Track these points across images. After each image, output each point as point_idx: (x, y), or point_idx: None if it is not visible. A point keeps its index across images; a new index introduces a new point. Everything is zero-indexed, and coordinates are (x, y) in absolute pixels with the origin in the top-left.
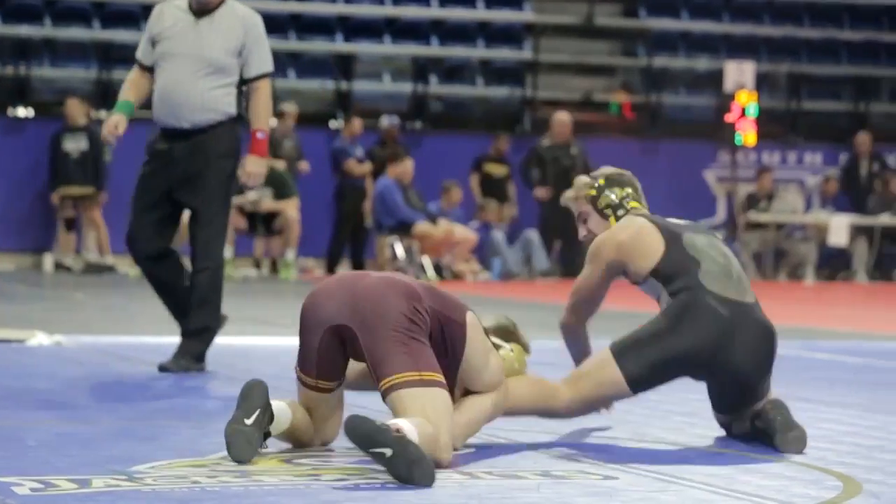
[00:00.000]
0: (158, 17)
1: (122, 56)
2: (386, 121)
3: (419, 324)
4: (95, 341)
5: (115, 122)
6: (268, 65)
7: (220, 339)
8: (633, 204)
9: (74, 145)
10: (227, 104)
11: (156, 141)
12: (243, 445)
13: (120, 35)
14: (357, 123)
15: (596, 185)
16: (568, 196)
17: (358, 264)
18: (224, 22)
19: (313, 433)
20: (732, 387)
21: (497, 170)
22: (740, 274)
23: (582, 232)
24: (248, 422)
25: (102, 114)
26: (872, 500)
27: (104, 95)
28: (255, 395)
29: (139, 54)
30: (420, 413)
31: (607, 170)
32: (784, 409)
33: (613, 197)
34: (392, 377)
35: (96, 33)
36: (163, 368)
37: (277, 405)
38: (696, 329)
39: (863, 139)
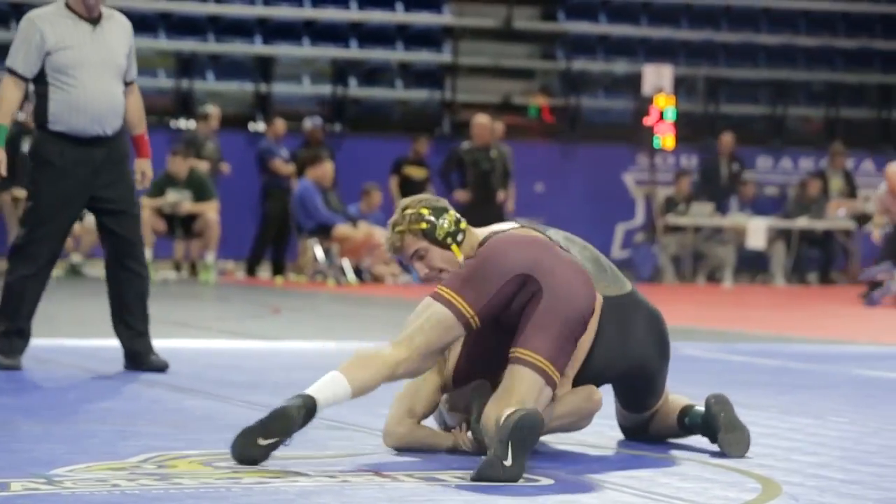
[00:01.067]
0: (48, 26)
1: None
2: (309, 122)
3: (582, 331)
4: None
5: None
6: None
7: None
8: (463, 225)
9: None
10: (123, 108)
11: (62, 151)
12: (248, 459)
13: None
14: (280, 124)
15: (425, 217)
16: (392, 242)
17: (279, 266)
18: (114, 27)
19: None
20: (641, 380)
21: (416, 172)
22: (611, 265)
23: (423, 270)
24: (262, 443)
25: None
26: (791, 502)
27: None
28: (281, 426)
29: (20, 66)
30: (523, 396)
31: (420, 198)
32: (728, 405)
33: (446, 224)
34: (534, 354)
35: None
36: (158, 368)
37: (330, 390)
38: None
39: (726, 140)
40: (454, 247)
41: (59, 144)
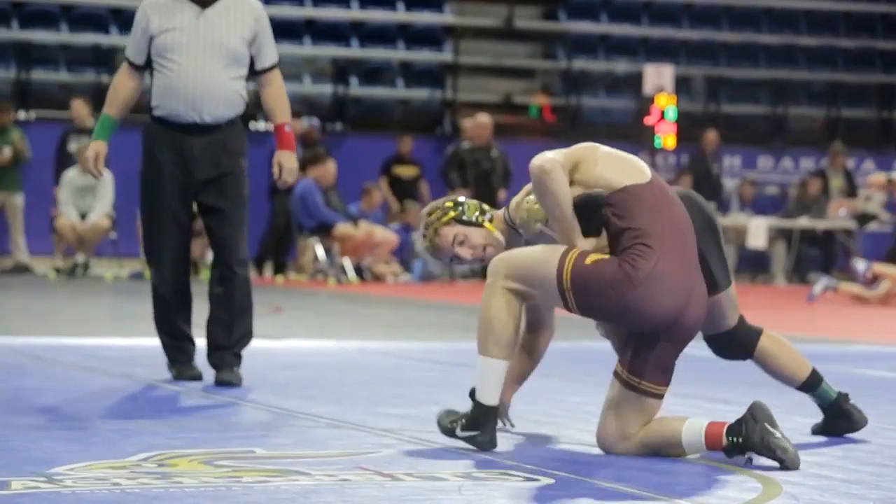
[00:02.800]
0: (155, 11)
1: (41, 56)
2: (306, 122)
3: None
4: (12, 342)
5: (95, 154)
6: (276, 55)
7: (144, 341)
8: (485, 206)
9: (79, 146)
10: (242, 98)
11: (160, 136)
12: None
13: (39, 35)
14: (293, 126)
15: (451, 207)
16: (430, 243)
17: (280, 265)
18: (232, 11)
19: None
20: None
21: (406, 171)
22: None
23: (468, 253)
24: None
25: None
26: (792, 502)
27: (24, 96)
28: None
29: (130, 53)
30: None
31: (435, 202)
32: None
33: (470, 207)
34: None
35: (15, 33)
36: (223, 383)
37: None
38: None
39: (710, 137)
40: (487, 223)
41: (158, 130)
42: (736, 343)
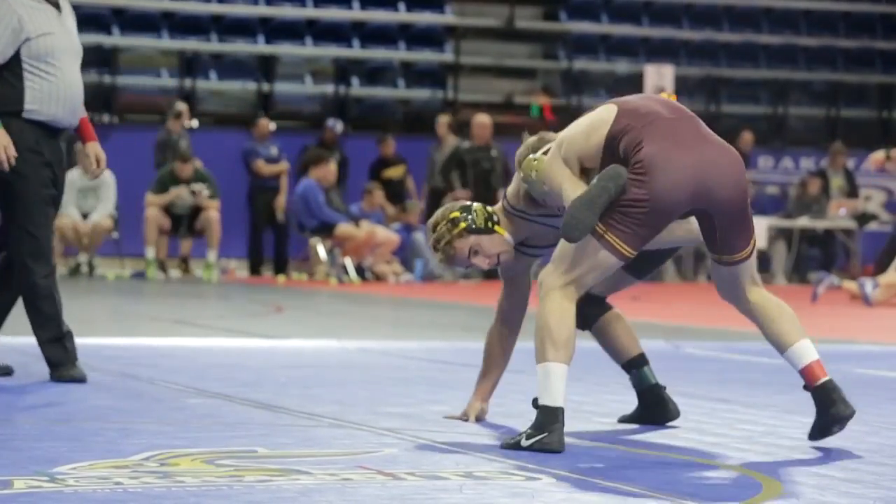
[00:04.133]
0: (24, 10)
1: None
2: (331, 122)
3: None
4: (16, 342)
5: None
6: None
7: (147, 341)
8: (489, 208)
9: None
10: None
11: (39, 140)
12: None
13: None
14: (264, 124)
15: (461, 217)
16: (445, 256)
17: (281, 265)
18: (70, 12)
19: None
20: None
21: (393, 173)
22: None
23: (485, 262)
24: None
25: None
26: (792, 501)
27: None
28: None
29: None
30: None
31: (441, 211)
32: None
33: (478, 214)
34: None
35: None
36: (74, 378)
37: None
38: None
39: (745, 139)
40: (497, 228)
41: (36, 132)
42: (589, 307)
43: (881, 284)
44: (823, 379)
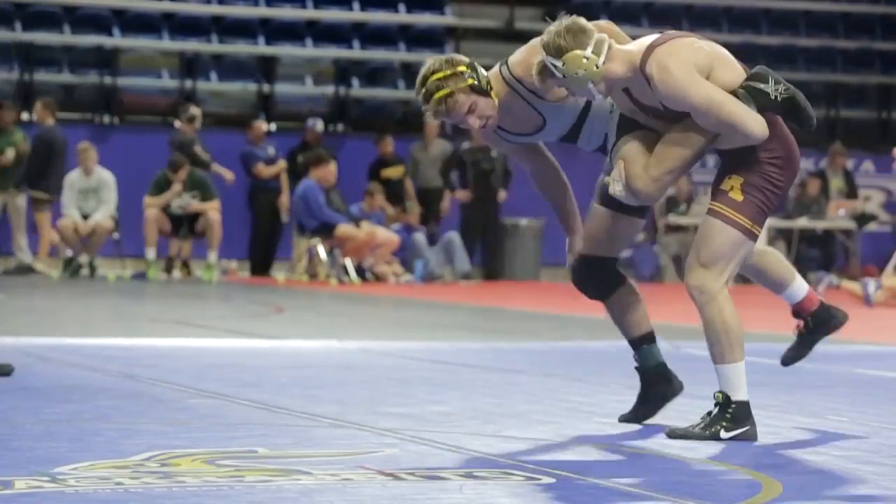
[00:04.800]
0: None
1: (44, 57)
2: (311, 122)
3: None
4: (17, 342)
5: None
6: None
7: (147, 341)
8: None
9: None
10: None
11: None
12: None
13: (41, 36)
14: (259, 126)
15: (468, 72)
16: (441, 106)
17: (266, 264)
18: None
19: None
20: None
21: (393, 172)
22: None
23: (476, 123)
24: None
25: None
26: (792, 501)
27: (26, 97)
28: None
29: None
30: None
31: (443, 59)
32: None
33: (482, 74)
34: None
35: (18, 35)
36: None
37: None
38: None
39: (837, 150)
40: (493, 93)
41: None
42: (607, 275)
43: (884, 286)
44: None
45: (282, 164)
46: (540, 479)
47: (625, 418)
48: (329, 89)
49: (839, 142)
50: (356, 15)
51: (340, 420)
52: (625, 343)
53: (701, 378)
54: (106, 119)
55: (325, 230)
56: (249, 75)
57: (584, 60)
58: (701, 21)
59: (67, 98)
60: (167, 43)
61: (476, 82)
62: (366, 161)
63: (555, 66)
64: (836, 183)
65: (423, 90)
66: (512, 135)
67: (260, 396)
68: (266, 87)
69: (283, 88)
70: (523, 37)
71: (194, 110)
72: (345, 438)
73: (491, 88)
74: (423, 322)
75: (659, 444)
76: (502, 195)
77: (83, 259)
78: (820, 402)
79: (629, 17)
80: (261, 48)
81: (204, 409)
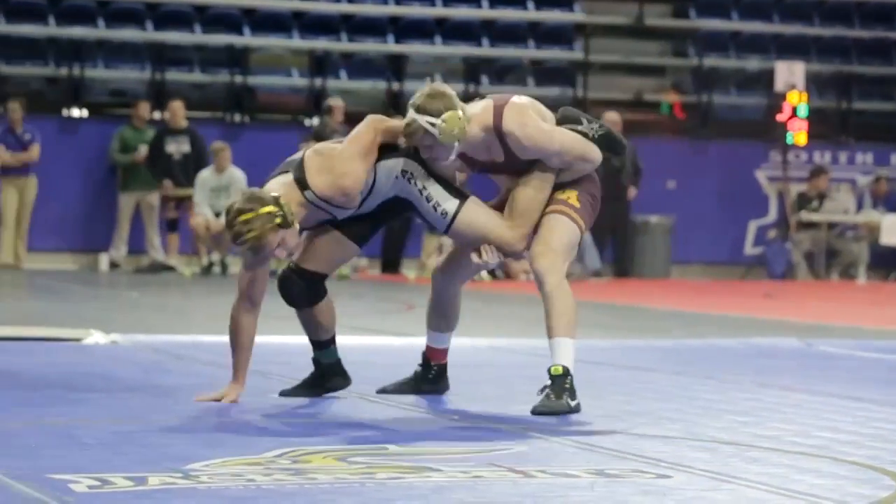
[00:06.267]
0: None
1: (176, 57)
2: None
3: None
4: (151, 340)
5: None
6: None
7: (279, 339)
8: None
9: (176, 147)
10: None
11: None
12: None
13: (173, 36)
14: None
15: (277, 212)
16: (252, 242)
17: (397, 260)
18: None
19: None
20: None
21: None
22: None
23: (283, 254)
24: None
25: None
26: None
27: (158, 96)
28: None
29: None
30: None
31: (254, 200)
32: None
33: (287, 206)
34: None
35: (150, 34)
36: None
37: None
38: None
39: None
40: (294, 221)
41: None
42: (308, 287)
43: None
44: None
45: None
46: (671, 477)
47: (286, 393)
48: (458, 87)
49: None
50: (485, 12)
51: (471, 417)
52: (756, 340)
53: (833, 376)
54: (237, 118)
55: None
56: (379, 73)
57: (459, 119)
58: (832, 17)
59: (198, 97)
60: (297, 42)
61: (284, 219)
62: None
63: (432, 125)
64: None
65: (232, 231)
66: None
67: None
68: (395, 85)
69: (412, 86)
70: (652, 33)
71: (332, 101)
72: (475, 436)
73: (293, 217)
74: None
75: (790, 442)
76: (632, 192)
77: (215, 257)
78: None
79: (760, 14)
80: (390, 46)
81: (335, 406)
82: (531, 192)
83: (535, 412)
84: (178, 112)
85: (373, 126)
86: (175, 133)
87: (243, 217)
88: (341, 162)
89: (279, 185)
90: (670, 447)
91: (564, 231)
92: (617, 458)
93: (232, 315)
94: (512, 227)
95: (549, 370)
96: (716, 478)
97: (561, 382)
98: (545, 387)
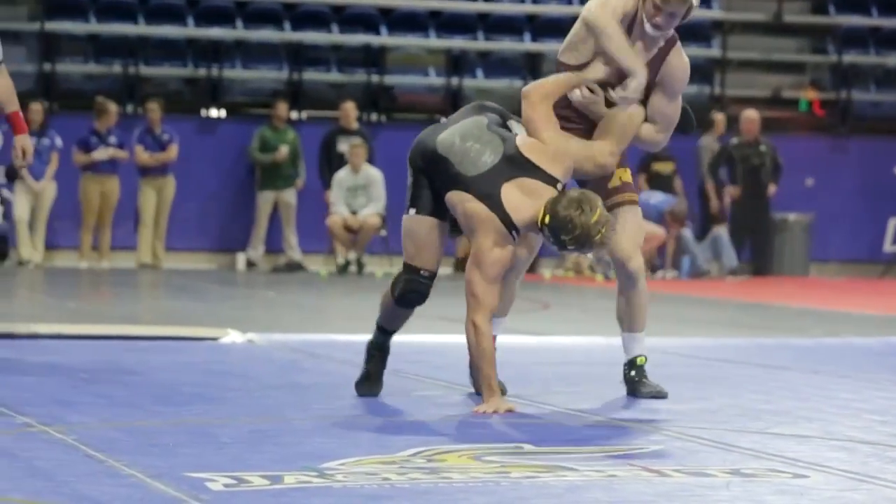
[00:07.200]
0: None
1: (313, 57)
2: None
3: None
4: (287, 339)
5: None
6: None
7: (415, 338)
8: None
9: (348, 146)
10: None
11: None
12: None
13: (310, 36)
14: None
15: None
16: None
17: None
18: None
19: None
20: None
21: (664, 167)
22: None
23: None
24: None
25: (293, 114)
26: None
27: (295, 96)
28: None
29: None
30: None
31: (591, 203)
32: None
33: None
34: None
35: (287, 34)
36: None
37: None
38: None
39: (747, 118)
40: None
41: None
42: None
43: None
44: None
45: None
46: (808, 477)
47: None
48: None
49: None
50: None
51: (606, 416)
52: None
53: None
54: (374, 117)
55: None
56: (515, 72)
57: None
58: (847, 7)
59: (336, 96)
60: (434, 41)
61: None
62: (636, 156)
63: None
64: None
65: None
66: None
67: (526, 392)
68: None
69: None
70: (791, 30)
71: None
72: (610, 435)
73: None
74: (688, 318)
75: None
76: (772, 190)
77: (351, 256)
78: None
79: None
80: (527, 45)
81: (469, 405)
82: (626, 116)
83: (640, 395)
84: (350, 112)
85: (532, 104)
86: (347, 133)
87: (595, 216)
88: (561, 148)
89: (538, 189)
90: (807, 446)
91: (641, 224)
92: (753, 457)
93: (477, 326)
94: (607, 143)
95: (633, 360)
96: (854, 478)
97: (644, 371)
98: (633, 374)
